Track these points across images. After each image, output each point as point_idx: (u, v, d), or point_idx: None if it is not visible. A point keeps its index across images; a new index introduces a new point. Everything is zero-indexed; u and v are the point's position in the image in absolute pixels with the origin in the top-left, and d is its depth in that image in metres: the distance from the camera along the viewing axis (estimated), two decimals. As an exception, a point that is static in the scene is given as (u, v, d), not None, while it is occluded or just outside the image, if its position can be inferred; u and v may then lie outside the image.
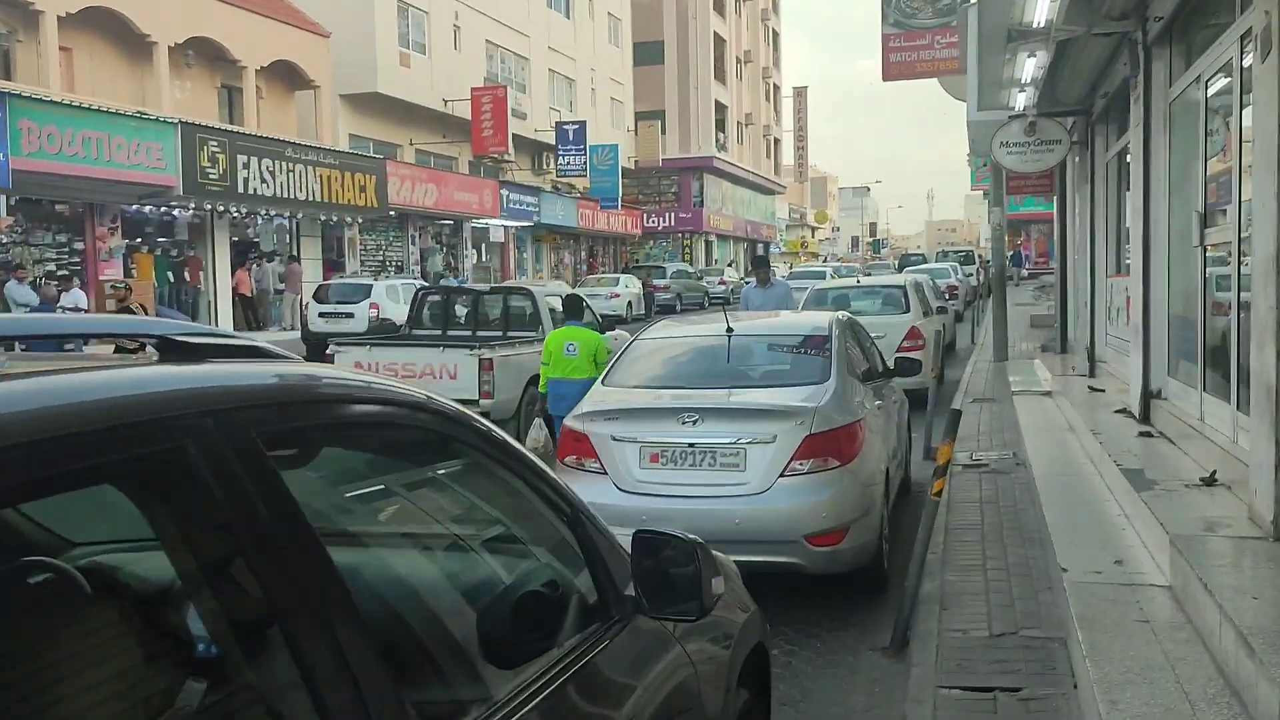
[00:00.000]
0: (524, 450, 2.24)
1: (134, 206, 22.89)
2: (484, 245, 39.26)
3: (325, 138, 27.92)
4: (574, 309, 9.77)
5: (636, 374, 6.17)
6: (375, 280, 20.74)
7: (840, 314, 6.96)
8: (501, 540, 2.43)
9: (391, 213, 32.00)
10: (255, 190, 23.93)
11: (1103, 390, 10.22)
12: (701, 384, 5.94)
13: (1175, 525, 4.82)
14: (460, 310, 13.44)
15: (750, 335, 6.51)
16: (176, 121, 21.65)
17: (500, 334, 12.22)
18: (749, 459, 5.31)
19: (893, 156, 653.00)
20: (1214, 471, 5.66)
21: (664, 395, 5.87)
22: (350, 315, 19.78)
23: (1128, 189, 11.15)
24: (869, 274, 53.89)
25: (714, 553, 2.37)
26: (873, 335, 12.61)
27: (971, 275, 37.71)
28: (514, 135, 38.71)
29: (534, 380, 9.69)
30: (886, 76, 15.19)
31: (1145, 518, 5.29)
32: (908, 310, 12.80)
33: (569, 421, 5.72)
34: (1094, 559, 5.12)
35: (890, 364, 7.83)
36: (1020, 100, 11.23)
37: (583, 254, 48.21)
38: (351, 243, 30.93)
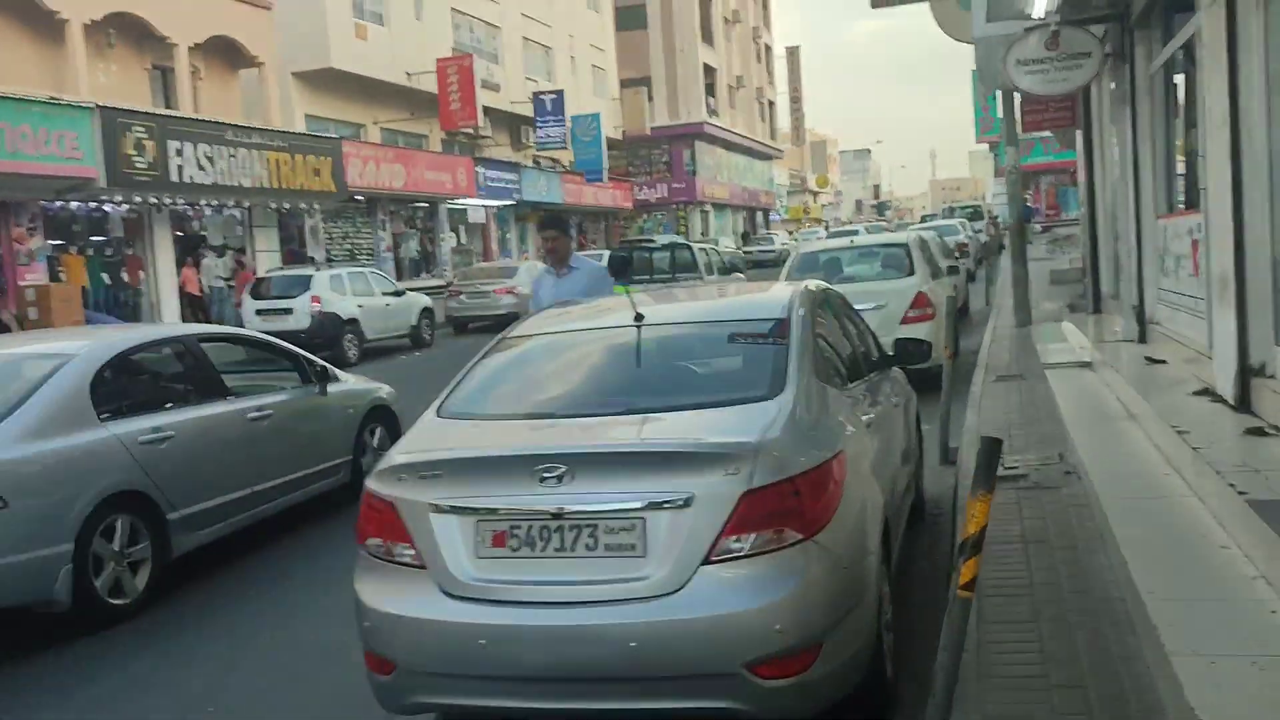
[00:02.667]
0: None
1: (58, 203, 20.80)
2: (463, 227, 37.07)
3: (274, 119, 25.74)
4: (621, 269, 9.54)
5: (488, 397, 4.02)
6: (316, 270, 18.56)
7: (810, 284, 4.80)
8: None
9: (359, 197, 29.91)
10: (192, 179, 21.79)
11: (1164, 361, 8.05)
12: (583, 410, 3.79)
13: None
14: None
15: (670, 326, 4.36)
16: (93, 106, 19.51)
17: (670, 276, 19.08)
18: (650, 537, 3.19)
19: (894, 117, 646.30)
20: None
21: (517, 432, 3.73)
22: (289, 311, 17.67)
23: (1177, 110, 8.94)
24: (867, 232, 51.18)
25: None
26: (873, 304, 10.52)
27: (981, 231, 35.40)
28: (489, 109, 36.44)
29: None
30: (876, 3, 12.95)
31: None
32: (913, 273, 10.61)
33: (369, 481, 3.59)
34: (1240, 683, 2.99)
35: (890, 349, 5.69)
36: (1039, 5, 9.02)
37: (572, 231, 45.97)
38: (314, 231, 28.79)
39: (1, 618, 5.43)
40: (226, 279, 23.98)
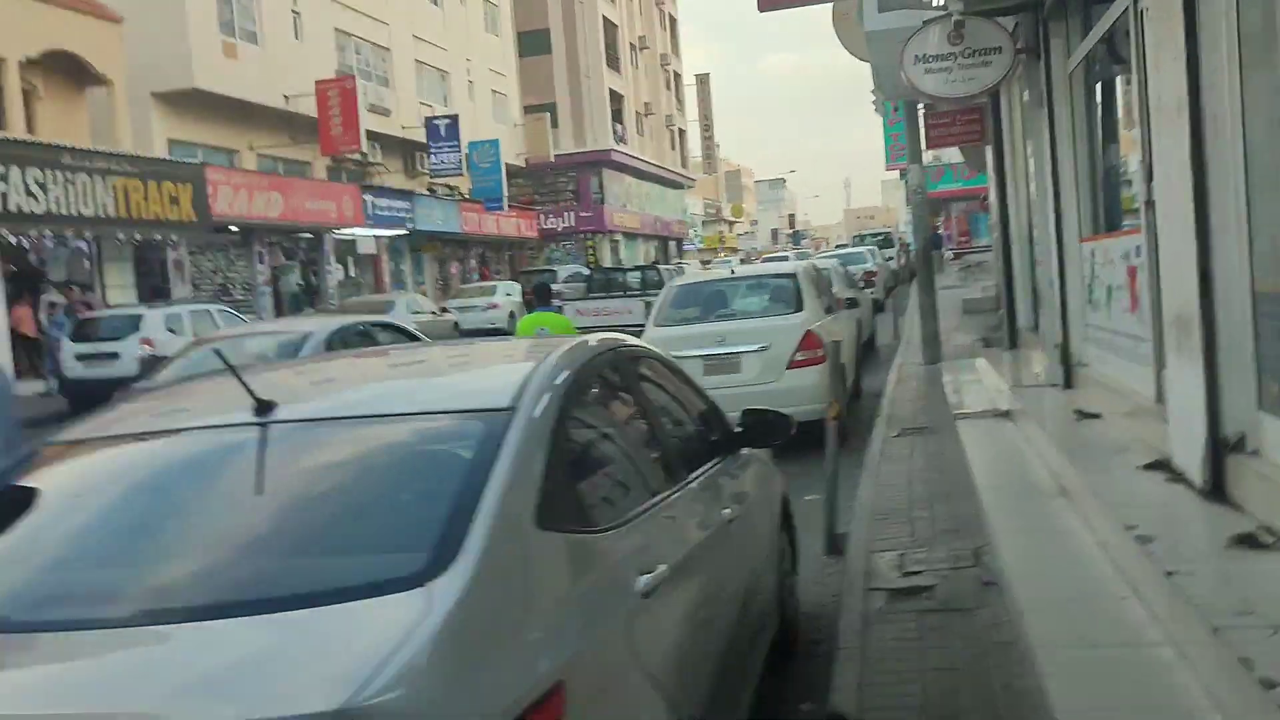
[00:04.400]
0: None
1: None
2: (351, 259, 34.89)
3: (125, 142, 23.44)
4: (544, 295, 10.25)
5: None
6: (149, 309, 16.39)
7: (589, 345, 3.09)
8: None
9: (233, 228, 27.66)
10: (20, 207, 19.43)
11: (1097, 415, 6.54)
12: (56, 615, 2.01)
13: None
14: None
15: (313, 427, 2.56)
16: (-110, 124, 17.17)
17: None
18: None
19: (807, 148, 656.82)
20: None
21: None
22: (115, 355, 15.48)
23: (1101, 107, 7.53)
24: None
25: None
26: (756, 345, 8.91)
27: (892, 259, 34.50)
28: (378, 135, 34.46)
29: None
30: (762, 6, 11.49)
31: None
32: (801, 308, 9.04)
33: None
34: None
35: (738, 423, 4.04)
36: (939, -9, 7.56)
37: (473, 262, 44.02)
38: (178, 265, 26.43)
39: None
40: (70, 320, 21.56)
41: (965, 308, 19.55)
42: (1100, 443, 5.89)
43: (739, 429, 3.92)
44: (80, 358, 15.71)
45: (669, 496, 2.95)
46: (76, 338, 16.09)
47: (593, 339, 3.27)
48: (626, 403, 3.23)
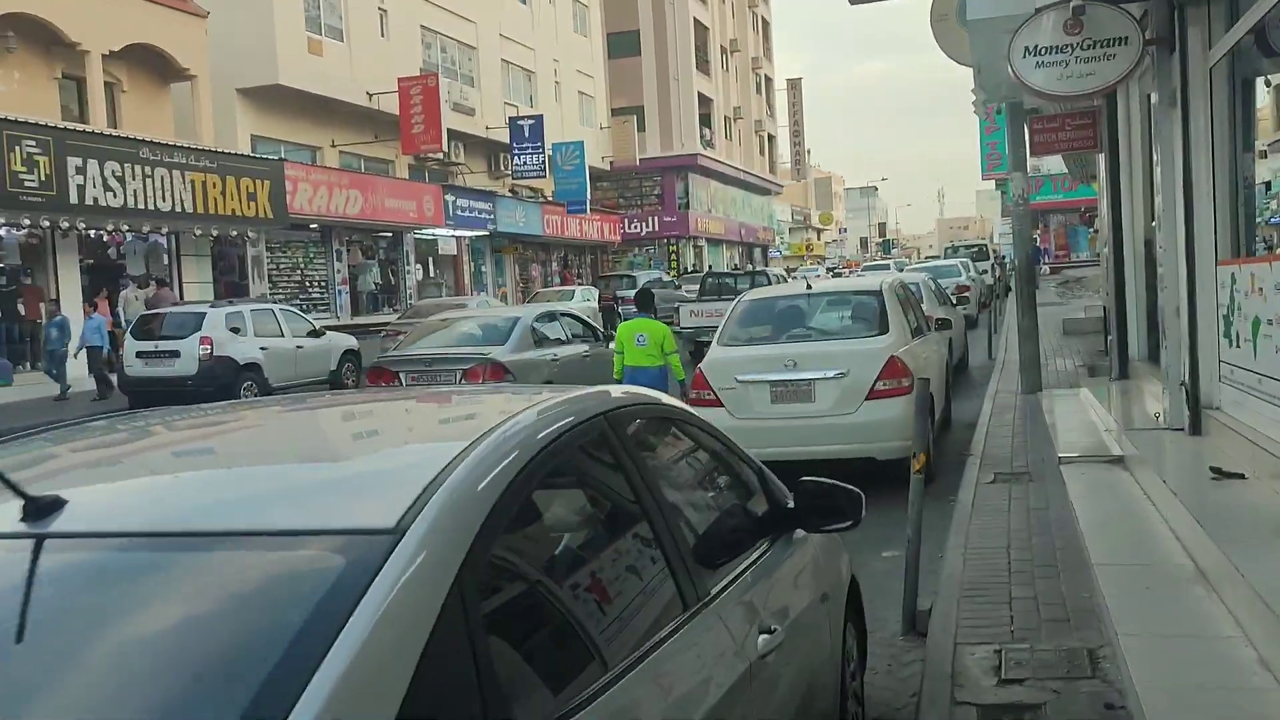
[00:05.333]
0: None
1: (-59, 226, 18.42)
2: (431, 259, 34.65)
3: (207, 137, 23.36)
4: (645, 302, 10.27)
5: None
6: (211, 307, 16.02)
7: (538, 430, 2.19)
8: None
9: (313, 226, 27.54)
10: (97, 200, 19.38)
11: (1239, 476, 5.45)
12: None
13: None
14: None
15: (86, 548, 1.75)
16: (-30, 115, 17.17)
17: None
18: None
19: (901, 155, 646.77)
20: None
21: None
22: (175, 354, 15.13)
23: (1248, 109, 6.43)
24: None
25: None
26: (832, 371, 7.95)
27: (986, 273, 32.93)
28: (463, 135, 34.20)
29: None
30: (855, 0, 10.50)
31: None
32: (885, 330, 8.03)
33: None
34: None
35: (790, 497, 3.12)
36: (1056, -27, 6.53)
37: (554, 265, 43.55)
38: (256, 262, 26.35)
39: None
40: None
41: (1066, 328, 18.22)
42: (1248, 513, 4.82)
43: (792, 505, 3.00)
44: (141, 355, 15.38)
45: (670, 637, 2.05)
46: (139, 334, 15.77)
47: (595, 394, 2.41)
48: (613, 495, 2.34)
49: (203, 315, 15.46)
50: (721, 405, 7.71)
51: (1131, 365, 10.48)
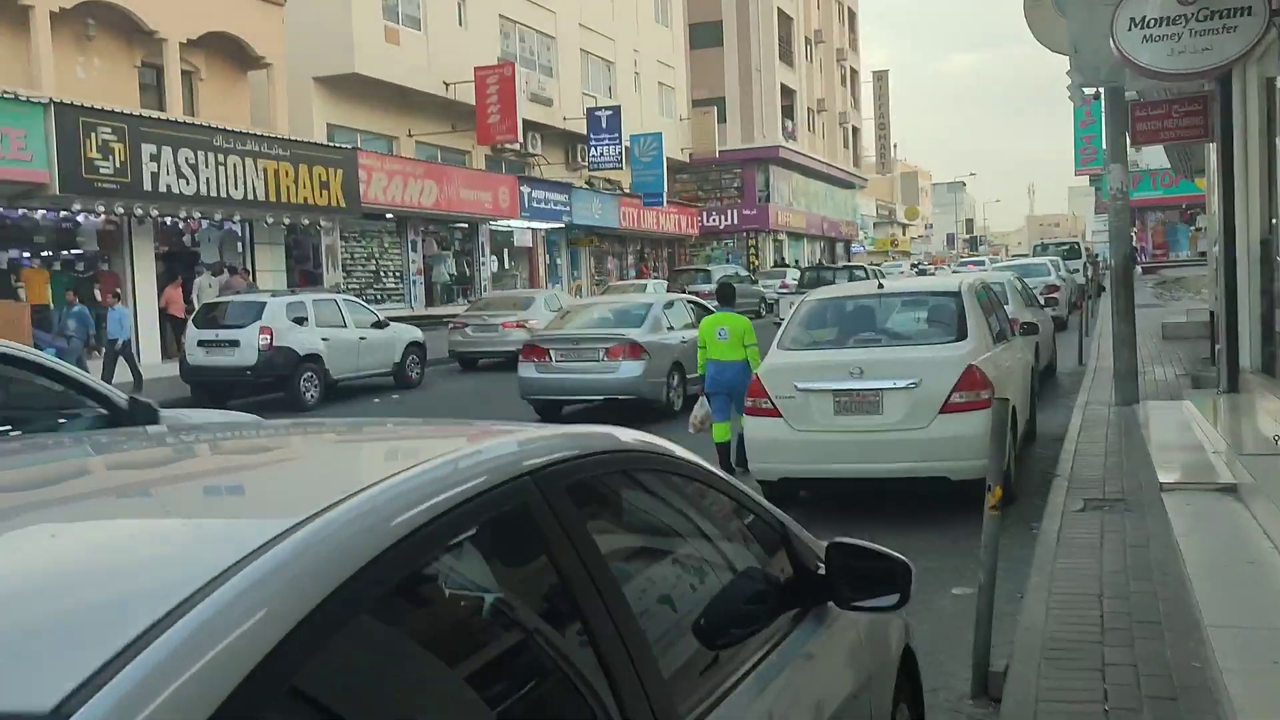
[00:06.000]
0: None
1: (19, 211, 18.60)
2: (507, 250, 34.44)
3: (281, 125, 23.33)
4: (727, 296, 10.16)
5: None
6: (272, 297, 15.83)
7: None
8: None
9: (388, 215, 27.46)
10: (170, 188, 19.41)
11: (1381, 517, 4.63)
12: None
13: None
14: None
15: None
16: (47, 101, 17.23)
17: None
18: None
19: (989, 150, 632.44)
20: None
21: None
22: (234, 344, 14.96)
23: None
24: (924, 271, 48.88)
25: None
26: (903, 381, 7.24)
27: (1077, 272, 31.48)
28: (540, 125, 33.88)
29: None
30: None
31: None
32: (964, 336, 7.28)
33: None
34: None
35: (820, 561, 2.46)
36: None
37: (630, 258, 43.05)
38: (331, 251, 26.36)
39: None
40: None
41: (1165, 333, 17.08)
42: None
43: (822, 572, 2.35)
44: (202, 344, 15.26)
45: None
46: (201, 323, 15.67)
47: (538, 441, 1.81)
48: (526, 600, 1.64)
49: (263, 305, 15.26)
50: (779, 415, 7.06)
51: (1242, 377, 9.52)
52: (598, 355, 12.67)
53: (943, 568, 6.18)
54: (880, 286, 8.23)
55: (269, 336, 14.82)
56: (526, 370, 13.10)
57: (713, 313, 10.25)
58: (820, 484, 7.39)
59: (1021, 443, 8.48)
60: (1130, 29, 6.30)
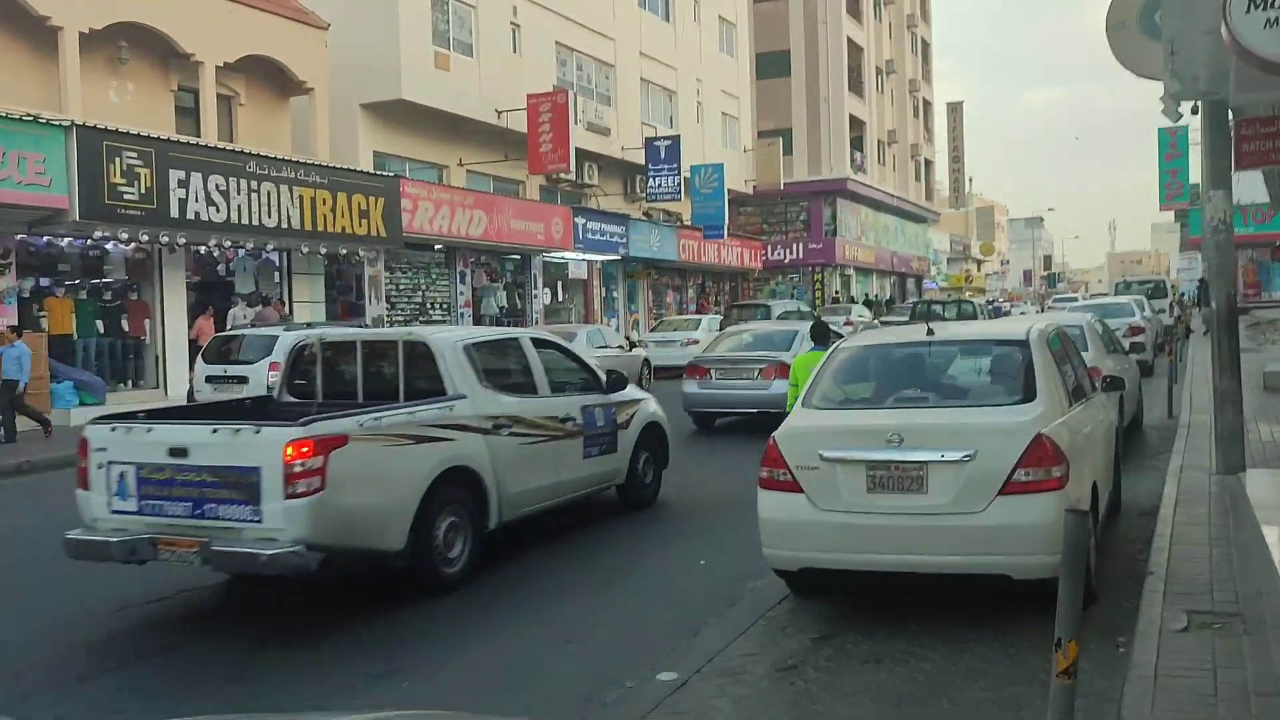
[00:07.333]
0: None
1: (44, 238, 18.04)
2: (560, 283, 33.45)
3: (320, 151, 22.65)
4: (821, 335, 10.23)
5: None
6: (284, 332, 14.88)
7: None
8: None
9: (436, 245, 26.64)
10: (199, 214, 18.71)
11: None
12: None
13: None
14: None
15: None
16: (69, 124, 16.62)
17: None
18: None
19: (1069, 186, 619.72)
20: None
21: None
22: (244, 380, 14.02)
23: None
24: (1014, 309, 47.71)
25: None
26: (957, 453, 5.79)
27: (1163, 312, 29.46)
28: (597, 155, 32.95)
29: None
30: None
31: None
32: (1032, 395, 5.86)
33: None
34: None
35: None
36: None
37: (690, 292, 41.82)
38: (374, 281, 25.56)
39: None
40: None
41: (1267, 383, 15.28)
42: None
43: None
44: (210, 380, 14.37)
45: None
46: (211, 358, 14.80)
47: None
48: None
49: (275, 339, 14.32)
50: (800, 490, 5.70)
51: (1374, 445, 7.90)
52: (753, 374, 14.76)
53: (998, 700, 4.78)
54: (930, 333, 6.73)
55: (278, 372, 13.83)
56: (689, 386, 15.24)
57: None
58: (851, 575, 5.99)
59: (1104, 521, 7.00)
60: (1249, 10, 4.91)
